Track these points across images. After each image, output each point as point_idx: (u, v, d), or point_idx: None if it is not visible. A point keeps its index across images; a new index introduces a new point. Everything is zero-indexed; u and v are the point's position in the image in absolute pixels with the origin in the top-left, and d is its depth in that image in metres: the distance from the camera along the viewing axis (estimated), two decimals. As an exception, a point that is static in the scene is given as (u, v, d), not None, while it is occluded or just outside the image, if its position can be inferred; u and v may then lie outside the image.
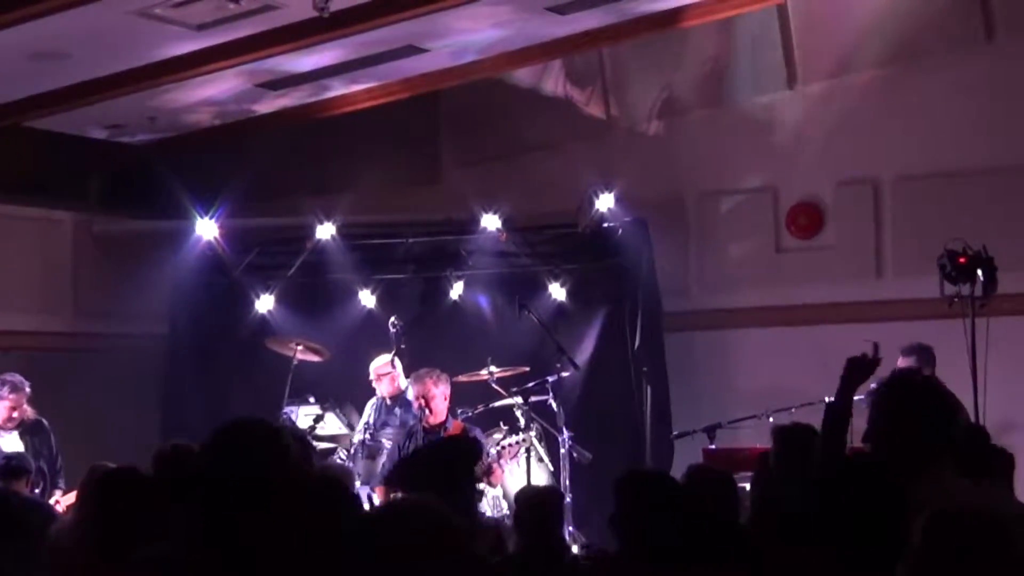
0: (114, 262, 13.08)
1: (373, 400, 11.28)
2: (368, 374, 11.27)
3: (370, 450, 10.64)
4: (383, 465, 10.47)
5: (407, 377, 10.89)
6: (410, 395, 10.57)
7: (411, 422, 10.69)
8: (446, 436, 10.00)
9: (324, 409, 11.08)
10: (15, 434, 10.11)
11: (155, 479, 5.57)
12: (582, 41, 12.09)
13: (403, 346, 11.11)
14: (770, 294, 12.74)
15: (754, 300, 12.79)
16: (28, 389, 10.19)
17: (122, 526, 5.03)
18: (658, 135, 13.50)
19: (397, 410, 11.03)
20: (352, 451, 10.93)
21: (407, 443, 10.33)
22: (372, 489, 10.18)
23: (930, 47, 12.16)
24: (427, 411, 10.23)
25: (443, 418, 10.41)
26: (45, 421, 10.34)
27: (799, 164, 12.79)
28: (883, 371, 5.65)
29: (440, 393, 10.35)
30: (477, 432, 10.33)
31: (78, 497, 6.00)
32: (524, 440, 10.36)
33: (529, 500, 6.88)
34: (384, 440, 10.79)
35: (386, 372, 11.13)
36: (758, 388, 11.91)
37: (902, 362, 10.01)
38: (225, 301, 12.65)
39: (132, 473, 5.44)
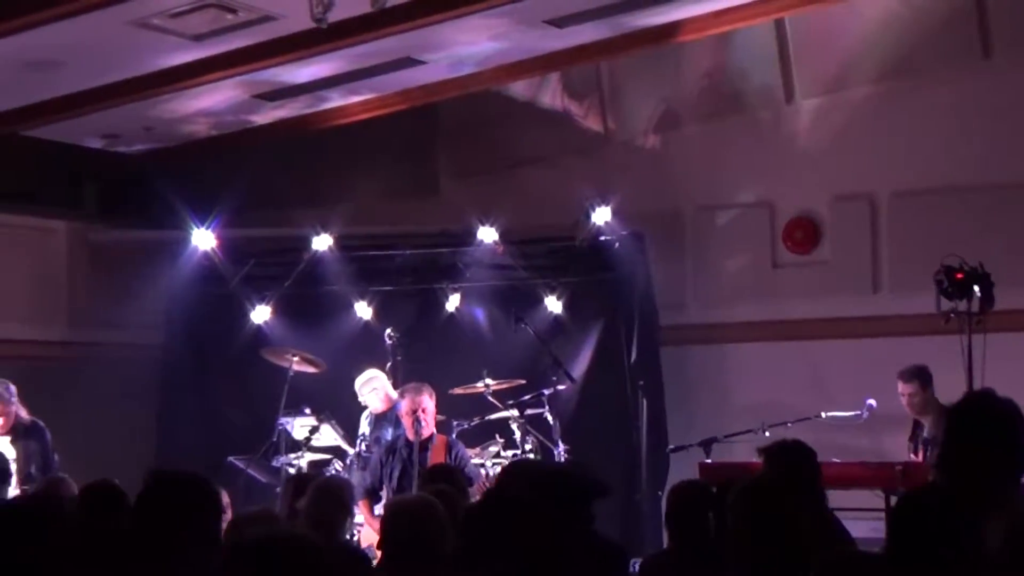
0: (109, 272, 13.06)
1: (368, 411, 11.23)
2: (363, 386, 11.24)
3: (365, 462, 10.57)
4: (364, 478, 10.36)
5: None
6: (402, 408, 10.38)
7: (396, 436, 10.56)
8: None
9: (320, 420, 11.00)
10: (6, 439, 9.93)
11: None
12: (580, 54, 12.07)
13: (399, 358, 11.08)
14: (766, 309, 12.74)
15: (750, 315, 12.79)
16: (11, 394, 9.96)
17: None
18: (655, 149, 13.50)
19: (390, 423, 10.96)
20: (348, 463, 10.87)
21: (389, 458, 10.22)
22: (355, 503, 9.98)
23: (927, 63, 12.16)
24: (421, 424, 10.11)
25: (432, 432, 10.34)
26: (40, 423, 10.15)
27: (796, 179, 12.79)
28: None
29: (432, 407, 10.26)
30: (460, 448, 10.26)
31: None
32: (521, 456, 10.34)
33: None
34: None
35: (370, 389, 11.05)
36: (754, 403, 11.90)
37: (904, 388, 9.96)
38: (221, 312, 12.62)
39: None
